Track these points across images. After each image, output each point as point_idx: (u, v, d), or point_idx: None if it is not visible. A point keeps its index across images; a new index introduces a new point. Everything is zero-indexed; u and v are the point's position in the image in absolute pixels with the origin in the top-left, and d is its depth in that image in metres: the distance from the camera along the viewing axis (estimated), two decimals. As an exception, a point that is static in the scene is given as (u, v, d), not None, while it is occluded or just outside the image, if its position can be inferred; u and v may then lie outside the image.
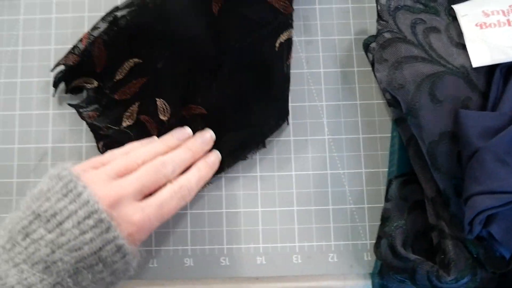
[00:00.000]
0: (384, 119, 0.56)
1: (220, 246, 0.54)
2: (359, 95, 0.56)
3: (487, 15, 0.51)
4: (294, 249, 0.54)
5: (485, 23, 0.51)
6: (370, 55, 0.55)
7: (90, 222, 0.39)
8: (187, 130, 0.52)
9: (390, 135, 0.55)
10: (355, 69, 0.57)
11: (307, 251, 0.54)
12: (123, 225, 0.41)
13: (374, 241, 0.52)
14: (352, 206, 0.54)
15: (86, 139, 0.56)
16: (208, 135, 0.52)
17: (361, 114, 0.56)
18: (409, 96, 0.50)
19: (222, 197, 0.55)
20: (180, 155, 0.49)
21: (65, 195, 0.40)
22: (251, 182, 0.55)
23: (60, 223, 0.39)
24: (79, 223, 0.39)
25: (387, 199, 0.52)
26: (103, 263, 0.40)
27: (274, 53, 0.53)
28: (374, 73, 0.54)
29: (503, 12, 0.51)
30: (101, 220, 0.40)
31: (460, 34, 0.52)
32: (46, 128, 0.56)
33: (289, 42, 0.54)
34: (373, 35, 0.55)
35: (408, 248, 0.50)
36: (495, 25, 0.51)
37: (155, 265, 0.53)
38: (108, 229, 0.40)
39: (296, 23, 0.57)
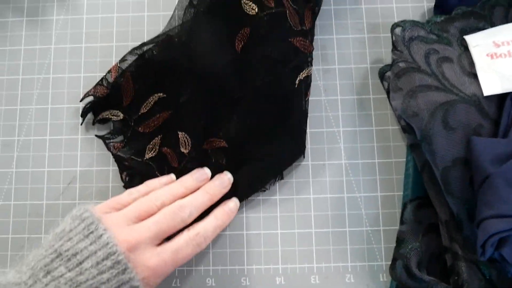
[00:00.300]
0: (399, 144, 0.58)
1: (240, 267, 0.56)
2: (374, 121, 0.58)
3: (497, 45, 0.53)
4: (312, 270, 0.55)
5: (495, 53, 0.53)
6: (386, 83, 0.57)
7: (108, 263, 0.42)
8: (206, 171, 0.55)
9: (405, 160, 0.57)
10: (371, 96, 0.59)
11: (325, 271, 0.55)
12: (139, 268, 0.43)
13: (389, 263, 0.53)
14: (368, 228, 0.56)
15: (112, 163, 0.58)
16: (226, 178, 0.54)
17: (377, 139, 0.58)
18: (423, 123, 0.52)
19: (243, 219, 0.57)
20: (198, 198, 0.51)
21: (86, 236, 0.43)
22: (271, 205, 0.57)
23: (80, 263, 0.42)
24: (97, 263, 0.42)
25: (402, 222, 0.54)
26: None
27: (294, 90, 0.55)
28: (389, 100, 0.56)
29: (513, 43, 0.53)
30: (118, 262, 0.42)
31: (472, 63, 0.54)
32: (75, 153, 0.59)
33: (308, 79, 0.56)
34: (388, 64, 0.57)
35: (423, 270, 0.51)
36: (505, 55, 0.53)
37: (178, 285, 0.55)
38: (124, 271, 0.42)
39: (315, 52, 0.59)
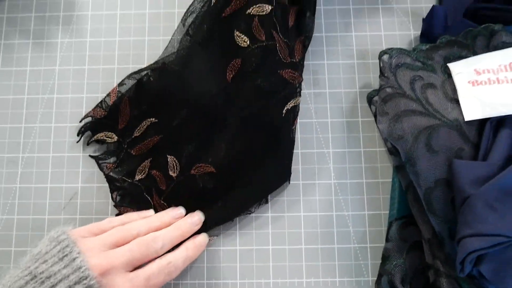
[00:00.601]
0: (386, 165, 0.60)
1: (233, 281, 0.58)
2: (363, 143, 0.61)
3: (478, 73, 0.56)
4: (302, 285, 0.58)
5: (477, 81, 0.56)
6: (373, 107, 0.60)
7: (80, 287, 0.43)
8: (181, 210, 0.57)
9: (391, 180, 0.60)
10: (360, 119, 0.62)
11: (314, 286, 0.58)
12: None
13: (375, 278, 0.56)
14: (356, 245, 0.59)
15: (113, 180, 0.60)
16: (196, 218, 0.56)
17: (365, 160, 0.61)
18: (407, 146, 0.55)
19: (236, 236, 0.59)
20: (170, 232, 0.53)
21: (61, 259, 0.44)
22: (263, 222, 0.59)
23: (53, 286, 0.43)
24: (69, 287, 0.43)
25: (387, 240, 0.56)
26: None
27: (281, 118, 0.58)
28: (376, 124, 0.59)
29: (493, 71, 0.56)
30: (90, 286, 0.43)
31: (454, 90, 0.57)
32: (77, 170, 0.61)
33: (295, 108, 0.59)
34: (376, 89, 0.60)
35: (407, 285, 0.54)
36: (486, 82, 0.56)
37: (173, 298, 0.58)
38: None
39: (306, 76, 0.63)
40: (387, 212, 0.59)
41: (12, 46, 0.65)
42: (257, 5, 0.57)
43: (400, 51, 0.60)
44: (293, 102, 0.58)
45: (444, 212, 0.53)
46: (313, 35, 0.63)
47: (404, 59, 0.59)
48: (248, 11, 0.58)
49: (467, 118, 0.55)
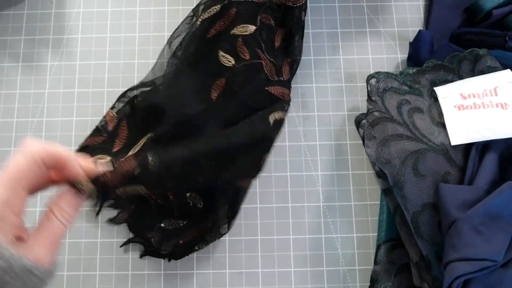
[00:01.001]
0: (374, 187, 0.61)
1: (223, 304, 0.59)
2: (351, 166, 0.62)
3: (464, 97, 0.57)
4: (291, 307, 0.58)
5: (462, 105, 0.57)
6: (361, 131, 0.61)
7: None
8: None
9: (379, 203, 0.60)
10: (348, 142, 0.62)
11: (303, 309, 0.58)
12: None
13: (364, 301, 0.57)
14: (345, 268, 0.59)
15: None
16: None
17: (353, 183, 0.61)
18: (394, 170, 0.55)
19: (226, 259, 0.60)
20: None
21: None
22: (252, 245, 0.60)
23: None
24: None
25: (376, 262, 0.57)
26: None
27: (267, 126, 0.56)
28: (364, 147, 0.60)
29: (478, 95, 0.57)
30: None
31: (440, 114, 0.58)
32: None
33: (281, 122, 0.58)
34: (364, 113, 0.61)
35: (395, 308, 0.54)
36: (471, 107, 0.57)
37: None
38: None
39: (295, 99, 0.63)
40: (376, 234, 0.59)
41: (2, 69, 0.65)
42: (241, 26, 0.58)
43: (387, 75, 0.60)
44: (280, 114, 0.57)
45: (431, 236, 0.54)
46: (303, 58, 0.64)
47: (391, 83, 0.60)
48: (233, 31, 0.58)
49: (453, 143, 0.56)
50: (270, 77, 0.58)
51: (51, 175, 0.40)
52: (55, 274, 0.38)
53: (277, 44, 0.60)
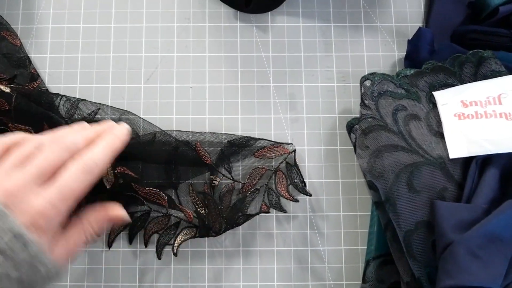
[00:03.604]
0: (364, 197, 0.57)
1: (201, 318, 0.56)
2: (341, 173, 0.58)
3: (465, 105, 0.53)
4: (273, 324, 0.55)
5: (463, 114, 0.53)
6: (353, 136, 0.57)
7: None
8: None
9: (370, 214, 0.56)
10: (338, 147, 0.58)
11: (286, 327, 0.55)
12: (24, 213, 0.38)
13: (351, 321, 0.53)
14: (331, 282, 0.56)
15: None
16: (123, 128, 0.48)
17: (343, 191, 0.58)
18: (387, 185, 0.51)
19: (205, 271, 0.56)
20: (81, 130, 0.45)
21: None
22: (233, 256, 0.56)
23: None
24: None
25: (364, 281, 0.54)
26: (2, 255, 0.37)
27: None
28: (356, 155, 0.55)
29: (481, 103, 0.53)
30: None
31: (439, 122, 0.54)
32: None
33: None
34: (356, 118, 0.57)
35: (384, 330, 0.51)
36: (472, 116, 0.53)
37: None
38: (2, 218, 0.37)
39: (283, 100, 0.59)
40: (365, 247, 0.56)
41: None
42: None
43: (383, 77, 0.56)
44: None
45: (424, 256, 0.50)
46: (292, 54, 0.60)
47: (387, 85, 0.56)
48: None
49: (451, 156, 0.52)
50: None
51: None
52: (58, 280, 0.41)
53: None
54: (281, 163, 0.57)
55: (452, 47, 0.57)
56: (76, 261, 0.56)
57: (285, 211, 0.56)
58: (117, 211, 0.45)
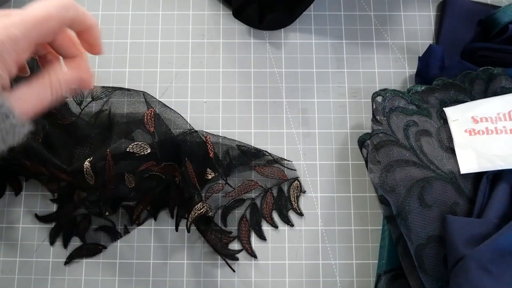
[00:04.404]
0: (376, 211, 0.58)
1: (213, 330, 0.56)
2: (352, 188, 0.58)
3: (476, 121, 0.54)
4: (285, 338, 0.55)
5: (474, 130, 0.53)
6: (365, 151, 0.57)
7: None
8: None
9: (381, 228, 0.57)
10: (350, 162, 0.59)
11: None
12: None
13: (362, 335, 0.54)
14: (343, 296, 0.56)
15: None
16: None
17: (354, 206, 0.58)
18: (399, 199, 0.52)
19: (218, 283, 0.56)
20: None
21: None
22: (246, 269, 0.57)
23: None
24: None
25: (375, 295, 0.54)
26: None
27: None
28: (367, 169, 0.56)
29: (491, 119, 0.53)
30: None
31: (450, 138, 0.54)
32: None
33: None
34: (368, 133, 0.57)
35: None
36: (483, 132, 0.53)
37: None
38: None
39: (295, 115, 0.60)
40: (376, 261, 0.56)
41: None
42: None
43: (394, 93, 0.57)
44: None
45: (436, 271, 0.51)
46: (304, 70, 0.61)
47: (398, 101, 0.56)
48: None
49: (463, 171, 0.52)
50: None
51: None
52: (27, 133, 0.37)
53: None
54: (273, 186, 0.58)
55: (462, 64, 0.58)
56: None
57: (263, 238, 0.58)
58: (88, 75, 0.41)
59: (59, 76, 0.39)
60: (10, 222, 0.58)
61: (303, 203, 0.58)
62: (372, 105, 0.57)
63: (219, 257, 0.56)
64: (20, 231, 0.58)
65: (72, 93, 0.45)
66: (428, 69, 0.59)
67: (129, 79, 0.61)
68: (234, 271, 0.56)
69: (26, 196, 0.58)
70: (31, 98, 0.37)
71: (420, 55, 0.60)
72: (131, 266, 0.57)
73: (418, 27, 0.63)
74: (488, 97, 0.56)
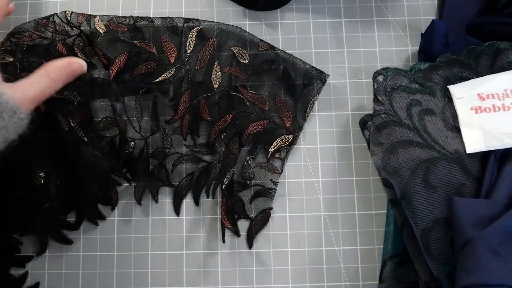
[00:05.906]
0: (380, 195, 0.56)
1: (215, 321, 0.55)
2: (355, 171, 0.57)
3: (482, 98, 0.51)
4: (288, 327, 0.54)
5: (480, 107, 0.51)
6: (367, 133, 0.55)
7: None
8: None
9: (385, 212, 0.55)
10: (352, 145, 0.57)
11: (302, 329, 0.54)
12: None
13: (368, 322, 0.52)
14: (347, 283, 0.54)
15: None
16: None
17: (357, 190, 0.56)
18: (403, 181, 0.50)
19: (218, 274, 0.55)
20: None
21: None
22: (247, 257, 0.55)
23: None
24: None
25: (381, 281, 0.52)
26: None
27: None
28: (370, 151, 0.54)
29: (498, 96, 0.51)
30: None
31: (455, 116, 0.52)
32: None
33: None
34: (369, 114, 0.55)
35: (402, 331, 0.50)
36: (490, 109, 0.51)
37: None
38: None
39: (294, 98, 0.58)
40: (381, 246, 0.55)
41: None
42: None
43: (396, 71, 0.54)
44: None
45: (443, 254, 0.49)
46: (302, 51, 0.59)
47: (400, 80, 0.54)
48: None
49: (469, 151, 0.50)
50: None
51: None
52: (26, 125, 0.41)
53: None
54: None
55: (467, 40, 0.56)
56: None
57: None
58: (77, 63, 0.47)
59: (53, 64, 0.45)
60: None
61: (304, 188, 0.56)
62: (374, 85, 0.55)
63: (219, 246, 0.55)
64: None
65: (68, 78, 0.46)
66: (432, 46, 0.57)
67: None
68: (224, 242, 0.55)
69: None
70: (32, 87, 0.43)
71: (423, 32, 0.58)
72: (129, 258, 0.55)
73: (420, 2, 0.61)
74: (495, 73, 0.53)
